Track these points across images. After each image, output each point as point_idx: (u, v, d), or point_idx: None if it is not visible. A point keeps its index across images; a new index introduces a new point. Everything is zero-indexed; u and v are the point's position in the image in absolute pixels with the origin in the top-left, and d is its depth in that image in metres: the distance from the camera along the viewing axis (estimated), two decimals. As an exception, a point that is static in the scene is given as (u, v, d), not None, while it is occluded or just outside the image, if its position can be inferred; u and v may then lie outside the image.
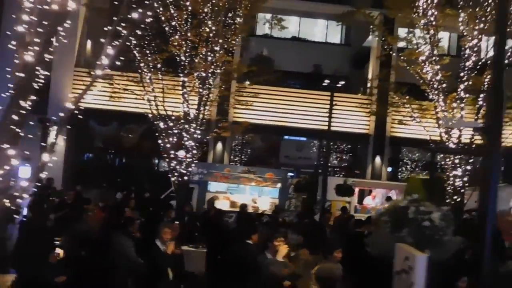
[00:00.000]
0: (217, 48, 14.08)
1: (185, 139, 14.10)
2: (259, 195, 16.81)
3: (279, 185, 17.06)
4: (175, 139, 14.20)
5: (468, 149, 14.00)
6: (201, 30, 13.99)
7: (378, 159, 19.59)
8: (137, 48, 13.83)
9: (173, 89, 15.15)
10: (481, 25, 13.40)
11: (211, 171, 16.95)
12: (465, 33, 13.92)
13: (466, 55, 13.90)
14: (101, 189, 17.68)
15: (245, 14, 14.75)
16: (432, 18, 13.90)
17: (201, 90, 14.22)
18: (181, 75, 14.27)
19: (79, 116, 6.48)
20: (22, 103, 5.40)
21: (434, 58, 14.03)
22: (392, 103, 17.01)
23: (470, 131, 13.67)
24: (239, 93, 18.59)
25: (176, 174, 14.26)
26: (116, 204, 12.51)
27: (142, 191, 15.71)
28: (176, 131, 14.20)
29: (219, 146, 18.94)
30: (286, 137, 22.54)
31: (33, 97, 5.53)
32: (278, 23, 20.93)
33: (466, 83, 13.85)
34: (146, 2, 6.69)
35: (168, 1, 13.43)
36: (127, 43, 12.19)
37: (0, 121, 5.45)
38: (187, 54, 14.12)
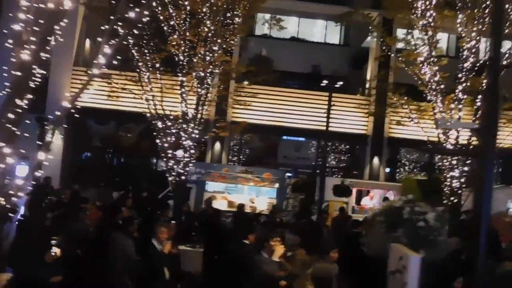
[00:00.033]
0: (215, 48, 14.07)
1: (183, 138, 14.08)
2: (257, 195, 16.76)
3: (277, 185, 17.04)
4: (173, 139, 14.18)
5: (464, 150, 14.00)
6: (199, 29, 13.98)
7: (376, 160, 19.57)
8: (136, 48, 13.84)
9: (172, 89, 15.15)
10: (480, 27, 13.42)
11: (209, 171, 16.93)
12: (463, 35, 13.92)
13: (464, 56, 13.89)
14: (99, 188, 17.66)
15: (244, 14, 14.76)
16: (430, 19, 13.90)
17: (199, 89, 14.20)
18: (180, 74, 14.25)
19: (76, 115, 6.48)
20: (18, 101, 5.41)
21: (432, 59, 14.02)
22: (391, 104, 16.99)
23: (468, 132, 13.70)
24: (237, 93, 18.57)
25: (174, 173, 14.24)
26: (113, 203, 12.50)
27: (140, 191, 15.70)
28: (174, 131, 14.19)
29: (217, 146, 18.91)
30: (284, 137, 22.48)
31: (29, 96, 5.54)
32: (277, 23, 20.93)
33: (464, 84, 13.84)
34: (143, 1, 6.69)
35: (166, 1, 13.43)
36: (125, 42, 12.22)
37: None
38: (185, 54, 14.11)
